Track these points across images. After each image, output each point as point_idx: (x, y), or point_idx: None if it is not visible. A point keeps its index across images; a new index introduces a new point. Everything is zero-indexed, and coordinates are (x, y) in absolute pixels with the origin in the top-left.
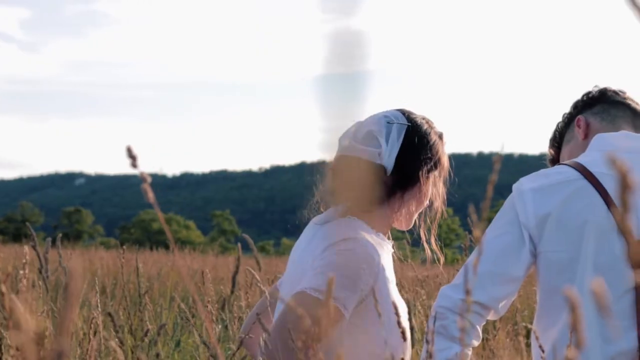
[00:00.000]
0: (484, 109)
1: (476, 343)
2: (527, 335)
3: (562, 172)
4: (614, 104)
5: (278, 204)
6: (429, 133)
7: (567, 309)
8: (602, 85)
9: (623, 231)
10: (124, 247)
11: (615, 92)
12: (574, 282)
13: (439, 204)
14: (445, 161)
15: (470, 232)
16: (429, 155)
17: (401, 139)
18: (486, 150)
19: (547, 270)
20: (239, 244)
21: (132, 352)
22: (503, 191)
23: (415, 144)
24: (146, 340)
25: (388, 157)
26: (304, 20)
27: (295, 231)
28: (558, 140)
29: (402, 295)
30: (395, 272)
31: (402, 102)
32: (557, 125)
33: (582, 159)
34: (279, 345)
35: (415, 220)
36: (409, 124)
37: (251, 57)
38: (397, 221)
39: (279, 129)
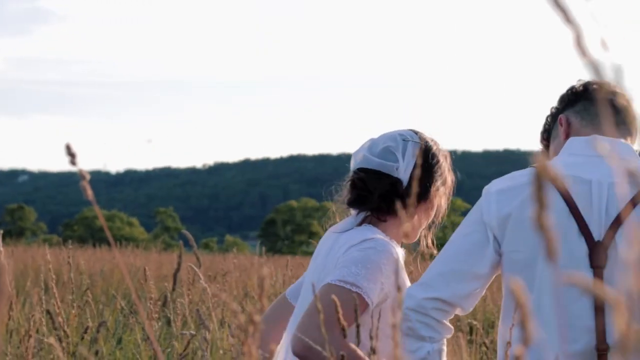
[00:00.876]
0: (430, 105)
1: (448, 335)
2: (470, 332)
3: (526, 174)
4: (596, 101)
5: (222, 200)
6: (438, 153)
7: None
8: (586, 79)
9: (540, 228)
10: (67, 244)
11: (599, 85)
12: (533, 282)
13: (441, 216)
14: (449, 180)
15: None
16: (439, 172)
17: (415, 156)
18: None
19: (509, 270)
20: (181, 242)
21: (65, 349)
22: (455, 187)
23: (427, 161)
24: (86, 337)
25: (404, 171)
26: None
27: (238, 228)
28: (547, 135)
29: None
30: None
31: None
32: (546, 119)
33: (550, 162)
34: (314, 334)
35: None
36: (422, 143)
37: (197, 55)
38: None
39: (222, 126)
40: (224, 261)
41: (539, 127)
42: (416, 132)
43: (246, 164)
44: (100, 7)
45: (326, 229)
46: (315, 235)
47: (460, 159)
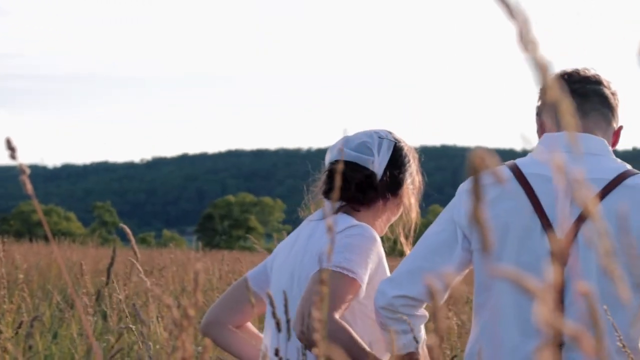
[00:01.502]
0: (367, 100)
1: (423, 322)
2: None
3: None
4: (567, 95)
5: (159, 195)
6: (409, 153)
7: (489, 304)
8: (559, 70)
9: (477, 221)
10: (2, 239)
11: (567, 77)
12: (494, 280)
13: (414, 215)
14: (418, 180)
15: None
16: (409, 171)
17: (390, 153)
18: None
19: (477, 267)
20: (115, 235)
21: None
22: None
23: (400, 159)
24: (21, 332)
25: (379, 166)
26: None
27: (176, 222)
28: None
29: None
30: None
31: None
32: (535, 118)
33: (519, 160)
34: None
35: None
36: (396, 141)
37: (133, 50)
38: (376, 226)
39: (160, 121)
40: (161, 256)
41: (476, 123)
42: (390, 132)
43: (184, 159)
44: (46, 2)
45: (300, 218)
46: (252, 230)
47: None
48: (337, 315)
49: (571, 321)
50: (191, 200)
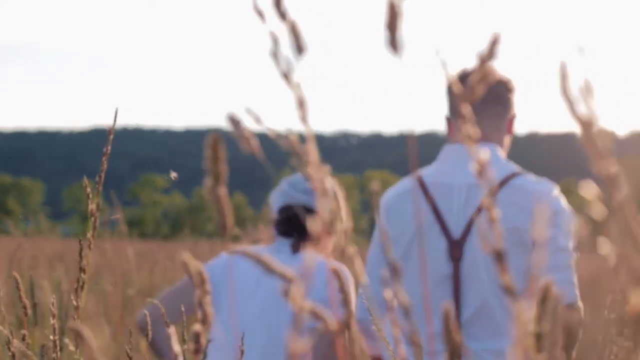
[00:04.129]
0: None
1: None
2: None
3: (402, 184)
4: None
5: None
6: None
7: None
8: (459, 71)
9: (215, 200)
10: None
11: (463, 77)
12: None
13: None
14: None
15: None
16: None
17: None
18: (132, 123)
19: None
20: None
21: None
22: (155, 165)
23: None
24: None
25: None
26: None
27: None
28: None
29: (39, 271)
30: (34, 247)
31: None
32: None
33: (424, 169)
34: None
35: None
36: None
37: None
38: (324, 254)
39: None
40: None
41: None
42: None
43: None
44: None
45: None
46: (11, 213)
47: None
48: None
49: (468, 309)
50: None
